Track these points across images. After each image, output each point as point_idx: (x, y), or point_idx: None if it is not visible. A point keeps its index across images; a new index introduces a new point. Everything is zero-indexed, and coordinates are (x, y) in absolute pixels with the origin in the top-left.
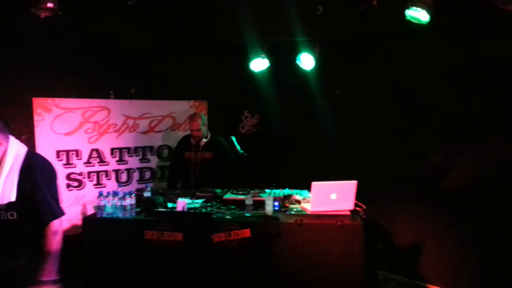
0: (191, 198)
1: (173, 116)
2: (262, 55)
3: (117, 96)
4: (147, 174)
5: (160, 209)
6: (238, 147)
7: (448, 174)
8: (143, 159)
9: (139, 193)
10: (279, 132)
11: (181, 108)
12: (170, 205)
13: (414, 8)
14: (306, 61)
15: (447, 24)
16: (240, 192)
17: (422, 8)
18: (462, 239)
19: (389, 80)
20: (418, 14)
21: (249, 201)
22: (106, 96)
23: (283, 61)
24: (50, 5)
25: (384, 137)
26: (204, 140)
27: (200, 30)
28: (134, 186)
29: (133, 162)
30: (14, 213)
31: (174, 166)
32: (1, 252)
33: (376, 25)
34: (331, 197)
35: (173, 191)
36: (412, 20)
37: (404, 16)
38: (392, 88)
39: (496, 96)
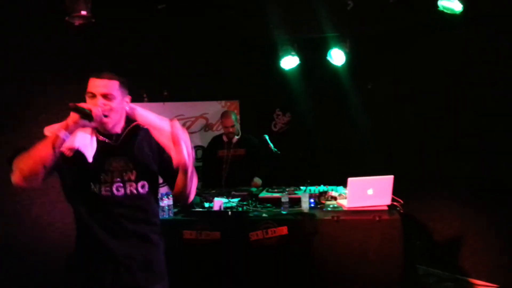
0: (227, 197)
1: (206, 117)
2: (292, 53)
3: (151, 99)
4: None
5: (197, 209)
6: (271, 145)
7: (487, 169)
8: None
9: None
10: (311, 129)
11: (213, 108)
12: (206, 204)
13: None
14: (337, 57)
15: (481, 14)
16: (276, 190)
17: None
18: (502, 233)
19: (423, 74)
20: (451, 4)
21: (285, 198)
22: (140, 100)
23: (313, 58)
24: (83, 12)
25: (419, 132)
26: (236, 137)
27: (230, 29)
28: None
29: None
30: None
31: (207, 166)
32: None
33: (408, 17)
34: (368, 192)
35: (209, 191)
36: (445, 11)
37: (437, 7)
38: (426, 82)
39: None
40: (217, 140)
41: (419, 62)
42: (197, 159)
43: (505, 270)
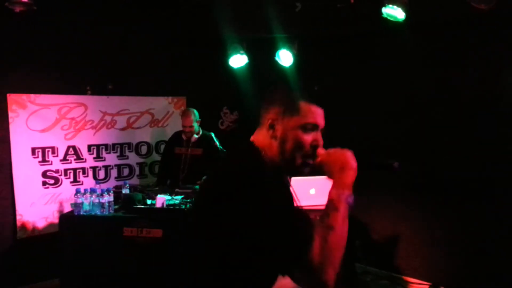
0: (171, 195)
1: (152, 113)
2: (241, 51)
3: (94, 92)
4: (126, 171)
5: (138, 206)
6: (217, 143)
7: (428, 170)
8: (121, 156)
9: (117, 190)
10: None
11: (159, 104)
12: (149, 202)
13: (390, 5)
14: (285, 57)
15: (422, 22)
16: None
17: (398, 6)
18: (435, 234)
19: (367, 78)
20: (394, 12)
21: None
22: (83, 92)
23: (262, 58)
24: None
25: (362, 134)
26: (196, 136)
27: (179, 25)
28: (112, 183)
29: (111, 159)
30: None
31: (164, 162)
32: None
33: (354, 23)
34: (310, 192)
35: (153, 188)
36: (389, 18)
37: (381, 14)
38: (370, 86)
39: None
40: (176, 136)
41: (364, 66)
42: (142, 155)
43: (436, 269)
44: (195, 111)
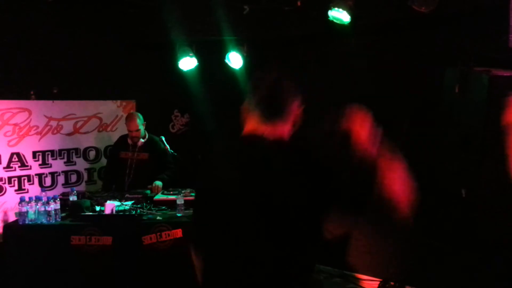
0: (120, 201)
1: (100, 117)
2: (191, 54)
3: (39, 97)
4: (73, 177)
5: (87, 213)
6: (168, 147)
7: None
8: (69, 161)
9: (64, 197)
10: (210, 132)
11: (107, 108)
12: (98, 208)
13: (335, 9)
14: (235, 60)
15: (367, 25)
16: (172, 192)
17: (343, 9)
18: (383, 231)
19: (317, 80)
20: (340, 15)
21: (180, 201)
22: (27, 97)
23: (212, 60)
24: None
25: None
26: (142, 140)
27: (127, 27)
28: (59, 190)
29: (58, 165)
30: None
31: (110, 167)
32: None
33: (301, 25)
34: None
35: (101, 194)
36: (335, 21)
37: (327, 16)
38: (319, 88)
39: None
40: (122, 140)
41: (314, 68)
42: (90, 160)
43: (386, 266)
44: (140, 115)
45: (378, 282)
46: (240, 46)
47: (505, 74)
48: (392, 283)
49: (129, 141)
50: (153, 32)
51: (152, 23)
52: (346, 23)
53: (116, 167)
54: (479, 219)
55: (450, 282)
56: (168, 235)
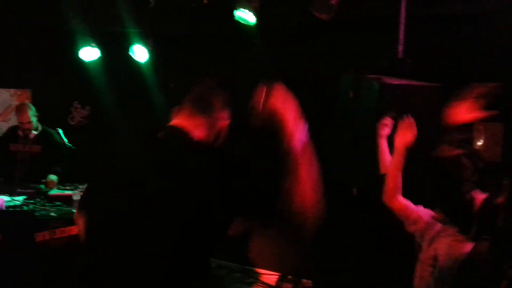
0: (11, 195)
1: None
2: (93, 44)
3: None
4: None
5: None
6: (65, 140)
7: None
8: None
9: None
10: (113, 125)
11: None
12: None
13: (241, 9)
14: (140, 53)
15: (273, 27)
16: (68, 187)
17: (249, 10)
18: (282, 226)
19: (223, 77)
20: (245, 16)
21: (76, 196)
22: None
23: (117, 52)
24: None
25: None
26: (34, 132)
27: (24, 12)
28: None
29: None
30: None
31: None
32: None
33: (208, 23)
34: None
35: None
36: (240, 21)
37: (233, 16)
38: (226, 85)
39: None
40: (12, 132)
41: (220, 65)
42: None
43: (285, 260)
44: (31, 106)
45: (277, 276)
46: (146, 39)
47: (394, 82)
48: (290, 277)
49: (20, 133)
50: (53, 19)
51: (51, 9)
52: (251, 24)
53: (4, 160)
54: (369, 216)
55: (343, 276)
56: (63, 232)
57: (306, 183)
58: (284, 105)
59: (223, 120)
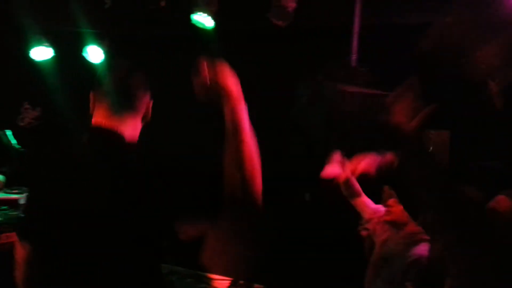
0: None
1: None
2: (45, 44)
3: None
4: None
5: None
6: (13, 141)
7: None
8: None
9: None
10: (66, 127)
11: None
12: None
13: (199, 13)
14: (94, 54)
15: (231, 31)
16: (15, 191)
17: (207, 14)
18: (238, 232)
19: (180, 80)
20: (203, 19)
21: (23, 200)
22: None
23: (71, 52)
24: None
25: (172, 135)
26: None
27: None
28: None
29: None
30: None
31: None
32: None
33: (166, 25)
34: None
35: None
36: (198, 25)
37: (191, 20)
38: (182, 88)
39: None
40: None
41: (177, 68)
42: None
43: (236, 265)
44: None
45: (229, 282)
46: (101, 40)
47: (348, 90)
48: (241, 282)
49: None
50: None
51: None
52: (209, 28)
53: None
54: (321, 221)
55: (295, 281)
56: (8, 237)
57: (249, 162)
58: (228, 80)
59: (147, 102)
